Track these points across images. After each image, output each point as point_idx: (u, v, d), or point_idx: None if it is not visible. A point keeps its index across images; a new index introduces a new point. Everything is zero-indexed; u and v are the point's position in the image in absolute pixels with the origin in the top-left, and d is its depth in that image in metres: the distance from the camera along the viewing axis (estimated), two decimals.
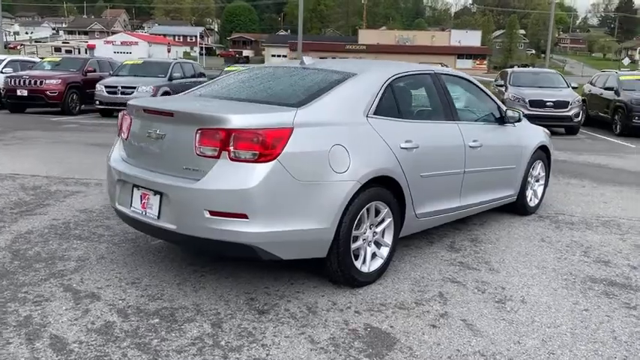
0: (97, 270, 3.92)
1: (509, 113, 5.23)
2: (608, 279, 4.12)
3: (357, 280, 3.70)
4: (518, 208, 5.68)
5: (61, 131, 11.86)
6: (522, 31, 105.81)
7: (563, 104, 13.97)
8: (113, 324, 3.16)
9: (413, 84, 4.45)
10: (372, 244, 3.84)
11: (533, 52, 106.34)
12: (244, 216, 3.16)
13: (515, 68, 19.31)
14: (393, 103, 4.03)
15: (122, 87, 14.96)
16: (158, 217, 3.43)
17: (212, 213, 3.18)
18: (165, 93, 15.51)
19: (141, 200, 3.55)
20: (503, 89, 15.19)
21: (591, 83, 17.12)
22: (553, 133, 9.52)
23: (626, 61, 73.47)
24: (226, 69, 17.14)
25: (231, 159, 3.18)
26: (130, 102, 3.85)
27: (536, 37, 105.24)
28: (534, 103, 13.97)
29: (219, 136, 3.20)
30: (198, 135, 3.27)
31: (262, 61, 73.41)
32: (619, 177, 8.41)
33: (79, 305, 3.38)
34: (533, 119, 13.41)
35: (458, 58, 73.87)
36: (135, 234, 4.68)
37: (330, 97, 3.62)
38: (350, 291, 3.72)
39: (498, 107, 5.29)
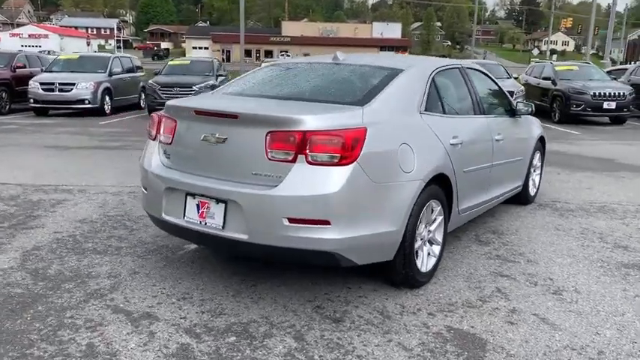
0: (137, 286, 3.61)
1: (520, 106, 5.33)
2: (637, 263, 4.29)
3: (418, 281, 3.64)
4: (521, 198, 5.83)
5: (3, 133, 10.93)
6: (439, 24, 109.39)
7: (509, 94, 14.50)
8: (189, 346, 2.91)
9: (449, 78, 4.42)
10: (427, 242, 3.78)
11: (449, 43, 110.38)
12: (327, 222, 3.00)
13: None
14: (437, 98, 3.99)
15: (60, 84, 13.99)
16: (223, 227, 3.19)
17: (291, 220, 3.00)
18: (107, 90, 14.73)
19: (197, 210, 3.29)
20: None
21: (527, 74, 17.92)
22: None
23: (535, 51, 77.96)
24: (170, 63, 16.46)
25: (309, 163, 3.01)
26: (172, 103, 3.56)
27: (452, 29, 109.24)
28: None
29: (295, 138, 3.02)
30: (268, 138, 3.07)
31: (183, 54, 71.34)
32: (583, 163, 8.84)
33: (140, 328, 3.09)
34: None
35: (381, 50, 75.28)
36: (155, 244, 4.37)
37: (388, 94, 3.51)
38: (410, 292, 3.65)
39: (509, 100, 5.38)
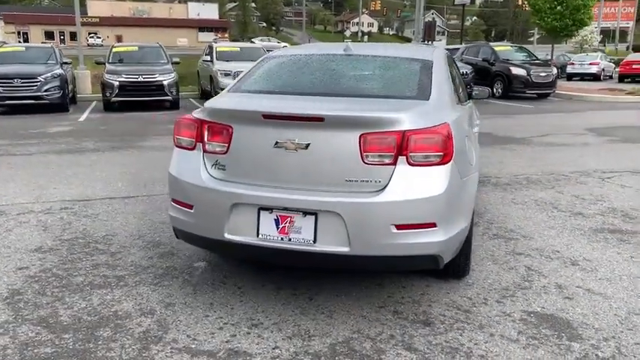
0: (189, 320, 3.13)
1: (476, 91, 5.62)
2: (604, 227, 4.86)
3: (467, 271, 3.70)
4: None
5: None
6: (254, 5, 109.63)
7: None
8: None
9: (454, 67, 4.46)
10: None
11: (264, 25, 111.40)
12: (433, 225, 2.90)
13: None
14: (454, 88, 4.03)
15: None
16: (314, 240, 2.89)
17: (399, 227, 2.84)
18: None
19: (276, 225, 2.94)
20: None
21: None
22: None
23: (348, 32, 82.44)
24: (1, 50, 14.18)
25: (411, 164, 2.86)
26: (222, 106, 3.10)
27: (266, 10, 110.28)
28: None
29: (393, 139, 2.84)
30: (363, 141, 2.84)
31: None
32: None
33: None
34: None
35: (200, 31, 73.29)
36: (159, 267, 3.82)
37: (438, 87, 3.46)
38: (461, 283, 3.70)
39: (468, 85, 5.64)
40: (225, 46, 16.24)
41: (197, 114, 3.25)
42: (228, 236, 3.02)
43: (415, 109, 3.02)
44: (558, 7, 21.66)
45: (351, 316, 3.21)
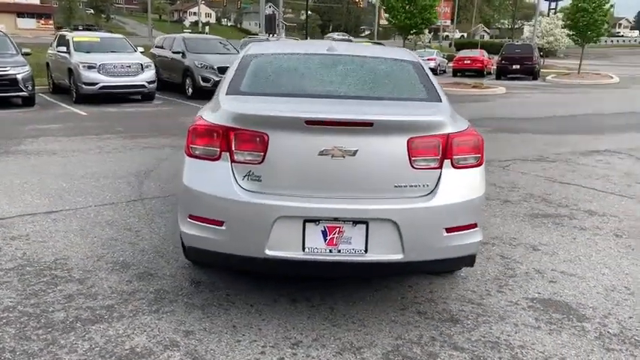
0: (227, 350, 2.86)
1: None
2: (544, 214, 5.39)
3: None
4: None
5: None
6: None
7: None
8: None
9: None
10: None
11: (92, 12, 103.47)
12: (475, 225, 2.98)
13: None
14: None
15: None
16: (366, 250, 2.80)
17: (449, 230, 2.87)
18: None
19: (324, 237, 2.79)
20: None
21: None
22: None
23: (187, 22, 79.95)
24: None
25: (455, 167, 2.91)
26: (256, 112, 2.83)
27: None
28: (222, 70, 14.48)
29: (439, 143, 2.86)
30: (411, 145, 2.81)
31: None
32: None
33: None
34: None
35: (19, 17, 65.73)
36: (151, 292, 3.43)
37: (441, 89, 3.53)
38: (454, 278, 3.84)
39: None
40: (82, 35, 14.78)
41: (213, 119, 2.93)
42: (269, 253, 2.79)
43: (445, 111, 3.05)
44: (408, 7, 23.28)
45: (383, 323, 3.17)
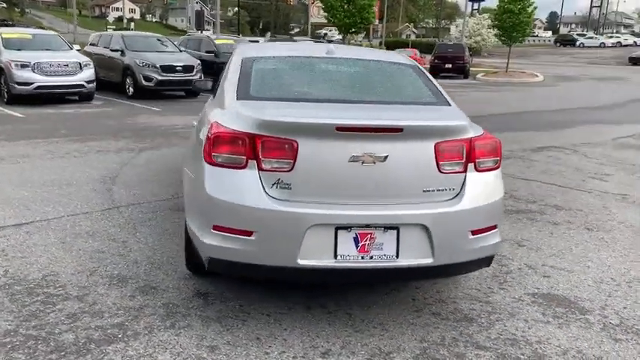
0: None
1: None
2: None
3: None
4: None
5: None
6: None
7: (189, 68, 14.59)
8: None
9: None
10: None
11: (5, 5, 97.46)
12: (495, 227, 3.06)
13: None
14: None
15: None
16: (397, 255, 2.81)
17: (474, 232, 2.93)
18: None
19: (356, 244, 2.77)
20: None
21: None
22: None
23: (111, 18, 76.96)
24: None
25: (478, 170, 2.97)
26: (284, 119, 2.75)
27: None
28: (165, 69, 14.08)
29: (463, 147, 2.91)
30: (438, 150, 2.85)
31: None
32: None
33: None
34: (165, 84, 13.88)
35: None
36: (159, 308, 3.28)
37: (446, 92, 3.60)
38: (456, 277, 3.92)
39: None
40: (12, 32, 13.87)
41: (236, 125, 2.83)
42: (302, 262, 2.74)
43: (461, 115, 3.11)
44: (347, 6, 23.53)
45: (403, 326, 3.20)
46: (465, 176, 2.92)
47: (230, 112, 3.02)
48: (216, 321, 3.13)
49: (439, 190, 2.87)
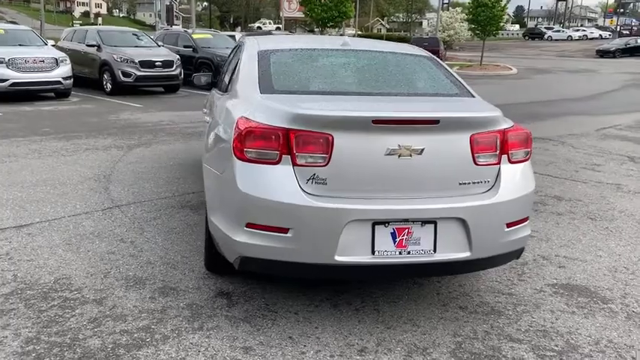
0: None
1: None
2: None
3: None
4: None
5: None
6: None
7: (169, 63, 14.32)
8: None
9: None
10: None
11: None
12: (527, 219, 3.04)
13: None
14: None
15: None
16: (434, 250, 2.77)
17: (509, 225, 2.91)
18: None
19: (394, 239, 2.72)
20: None
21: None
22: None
23: (77, 13, 75.29)
24: None
25: (511, 162, 2.95)
26: (319, 112, 2.67)
27: None
28: (144, 64, 13.80)
29: (496, 138, 2.89)
30: (473, 142, 2.82)
31: None
32: None
33: None
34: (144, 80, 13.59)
35: None
36: (180, 307, 3.18)
37: (466, 84, 3.57)
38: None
39: None
40: None
41: (269, 120, 2.74)
42: (339, 259, 2.68)
43: (492, 107, 3.08)
44: (323, 0, 23.42)
45: (433, 320, 3.17)
46: (499, 168, 2.89)
47: (257, 106, 2.92)
48: (244, 321, 3.05)
49: (475, 182, 2.84)
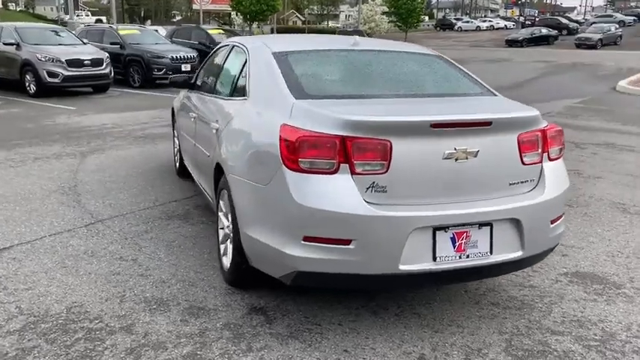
0: None
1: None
2: None
3: None
4: None
5: None
6: None
7: (99, 62, 13.55)
8: None
9: None
10: None
11: None
12: (563, 215, 3.12)
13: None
14: None
15: None
16: (491, 252, 2.78)
17: (552, 221, 2.98)
18: None
19: (453, 243, 2.70)
20: None
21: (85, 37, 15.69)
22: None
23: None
24: None
25: (551, 160, 3.02)
26: (377, 119, 2.58)
27: None
28: (72, 63, 12.97)
29: (538, 137, 2.94)
30: (521, 141, 2.85)
31: None
32: None
33: None
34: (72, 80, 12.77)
35: None
36: (217, 328, 3.01)
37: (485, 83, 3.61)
38: None
39: None
40: None
41: (321, 127, 2.61)
42: (403, 267, 2.62)
43: (527, 106, 3.13)
44: None
45: (473, 319, 3.19)
46: (542, 166, 2.94)
47: (300, 112, 2.78)
48: (292, 337, 2.92)
49: (522, 182, 2.87)
